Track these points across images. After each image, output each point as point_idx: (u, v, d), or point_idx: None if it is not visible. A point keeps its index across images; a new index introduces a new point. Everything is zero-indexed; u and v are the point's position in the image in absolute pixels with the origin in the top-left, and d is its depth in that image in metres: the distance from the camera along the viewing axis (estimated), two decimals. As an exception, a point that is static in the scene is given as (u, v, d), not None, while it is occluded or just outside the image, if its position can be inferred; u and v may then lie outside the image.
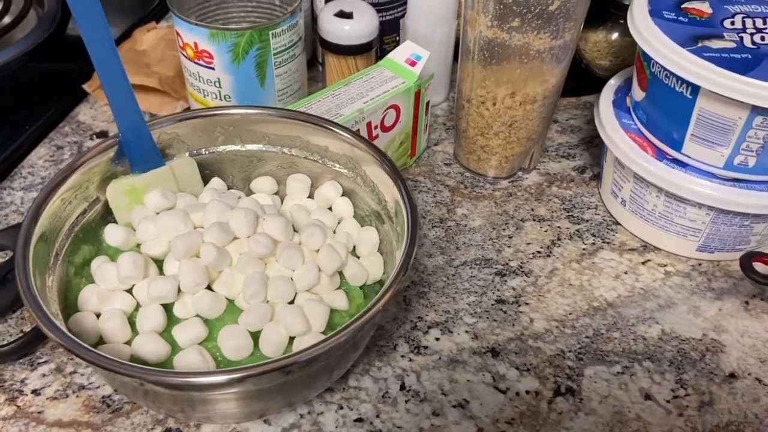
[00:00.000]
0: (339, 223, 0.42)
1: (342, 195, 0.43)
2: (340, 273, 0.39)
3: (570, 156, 0.58)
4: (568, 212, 0.52)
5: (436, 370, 0.41)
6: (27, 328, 0.41)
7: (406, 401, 0.39)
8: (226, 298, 0.36)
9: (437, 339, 0.43)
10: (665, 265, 0.48)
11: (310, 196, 0.44)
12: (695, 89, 0.40)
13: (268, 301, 0.35)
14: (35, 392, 0.38)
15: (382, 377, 0.41)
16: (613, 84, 0.51)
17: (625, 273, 0.47)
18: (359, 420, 0.38)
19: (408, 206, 0.36)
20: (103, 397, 0.39)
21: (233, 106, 0.48)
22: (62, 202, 0.36)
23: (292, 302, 0.36)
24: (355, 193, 0.43)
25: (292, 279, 0.36)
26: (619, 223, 0.51)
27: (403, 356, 0.42)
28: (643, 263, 0.48)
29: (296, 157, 0.43)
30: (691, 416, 0.39)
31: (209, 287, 0.36)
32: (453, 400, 0.40)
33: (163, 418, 0.38)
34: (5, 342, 0.40)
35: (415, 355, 0.42)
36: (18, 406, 0.38)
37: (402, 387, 0.40)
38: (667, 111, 0.43)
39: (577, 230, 0.51)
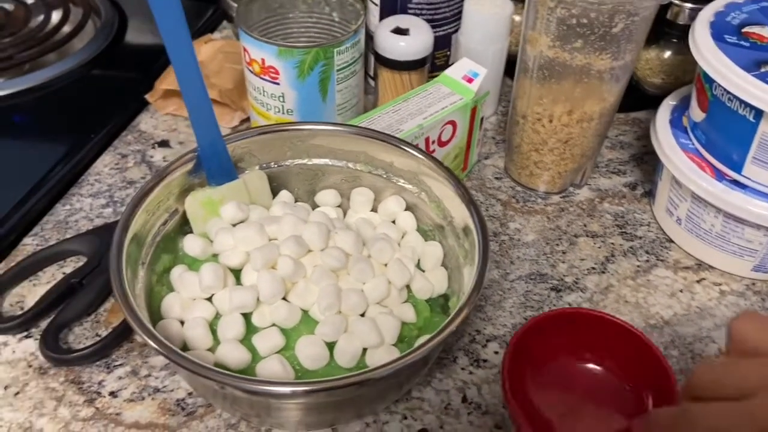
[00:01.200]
0: (403, 236, 0.43)
1: (405, 209, 0.44)
2: (407, 286, 0.40)
3: (620, 172, 0.58)
4: (621, 228, 0.53)
5: (496, 384, 0.42)
6: (102, 332, 0.43)
7: (469, 413, 0.40)
8: (301, 309, 0.37)
9: (496, 353, 0.44)
10: (720, 284, 0.48)
11: (374, 210, 0.45)
12: (758, 113, 0.41)
13: (341, 313, 0.37)
14: (113, 394, 0.40)
15: (443, 389, 0.42)
16: (669, 103, 0.51)
17: (681, 291, 0.48)
18: (423, 430, 0.39)
19: (479, 226, 0.37)
20: (177, 400, 0.40)
21: (302, 122, 0.49)
22: (147, 213, 0.37)
23: (363, 314, 0.37)
24: (417, 208, 0.44)
25: (363, 292, 0.38)
26: (672, 241, 0.51)
27: (463, 369, 0.43)
28: (698, 281, 0.49)
29: (360, 171, 0.45)
30: (752, 436, 0.39)
31: (285, 298, 0.37)
32: (514, 412, 0.40)
33: (235, 422, 0.39)
34: (82, 345, 0.42)
35: (475, 368, 0.43)
36: (97, 408, 0.39)
37: (464, 399, 0.41)
38: (728, 133, 0.44)
39: (631, 247, 0.51)
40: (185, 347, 0.35)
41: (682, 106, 0.51)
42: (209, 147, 0.39)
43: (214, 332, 0.36)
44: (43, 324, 0.43)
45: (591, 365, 0.40)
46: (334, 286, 0.37)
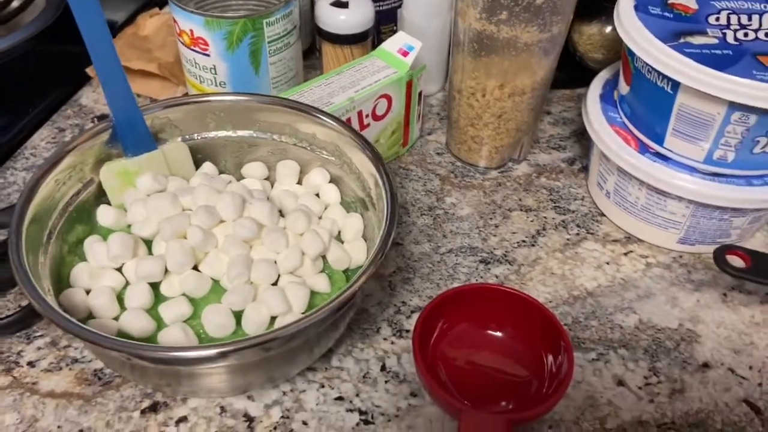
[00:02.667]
0: (326, 209, 0.43)
1: (330, 182, 0.44)
2: (324, 257, 0.40)
3: (560, 148, 0.59)
4: (555, 203, 0.53)
5: (416, 353, 0.42)
6: (24, 304, 0.43)
7: (386, 382, 0.41)
8: (212, 279, 0.37)
9: (419, 323, 0.44)
10: (647, 257, 0.49)
11: (300, 183, 0.45)
12: (676, 84, 0.41)
13: (252, 283, 0.37)
14: (30, 364, 0.40)
15: (364, 358, 0.42)
16: (602, 77, 0.52)
17: (607, 263, 0.48)
18: (339, 398, 0.40)
19: (388, 188, 0.37)
20: (95, 370, 0.40)
21: (224, 92, 0.49)
22: (56, 183, 0.37)
23: (275, 284, 0.38)
24: (342, 180, 0.44)
25: (275, 262, 0.38)
26: (604, 215, 0.52)
27: (385, 339, 0.43)
28: (625, 254, 0.49)
29: (286, 143, 0.45)
30: (662, 403, 0.40)
31: (196, 268, 0.37)
32: (431, 382, 0.41)
33: (151, 392, 0.39)
34: (3, 316, 0.42)
35: (397, 338, 0.43)
36: (14, 377, 0.40)
37: (383, 368, 0.41)
38: (649, 105, 0.44)
39: (563, 221, 0.52)
40: (91, 317, 0.35)
41: (614, 81, 0.51)
42: (124, 116, 0.39)
43: (123, 303, 0.36)
44: (-35, 295, 0.43)
45: (496, 332, 0.42)
46: (245, 256, 0.37)
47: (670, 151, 0.44)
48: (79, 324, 0.30)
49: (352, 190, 0.43)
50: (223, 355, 0.31)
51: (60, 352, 0.41)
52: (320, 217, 0.42)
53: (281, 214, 0.41)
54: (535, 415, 0.36)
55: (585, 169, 0.56)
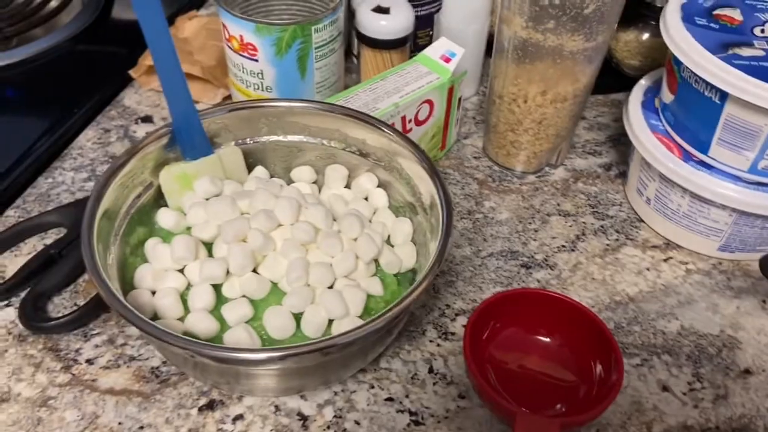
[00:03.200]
0: (374, 213, 0.44)
1: (378, 186, 0.45)
2: (376, 261, 0.41)
3: (596, 153, 0.59)
4: (593, 208, 0.54)
5: (462, 356, 0.43)
6: (81, 302, 0.44)
7: (434, 383, 0.42)
8: (271, 281, 0.38)
9: (464, 326, 0.45)
10: (686, 263, 0.50)
11: (347, 187, 0.46)
12: (724, 95, 0.41)
13: (309, 285, 0.38)
14: (89, 362, 0.41)
15: (411, 360, 0.43)
16: (643, 84, 0.52)
17: (647, 269, 0.49)
18: (389, 399, 0.41)
19: (443, 201, 0.38)
20: (152, 368, 0.41)
21: (278, 98, 0.50)
22: (121, 186, 0.38)
23: (331, 287, 0.39)
24: (390, 185, 0.45)
25: (331, 265, 0.39)
26: (642, 221, 0.53)
27: (431, 341, 0.44)
28: (665, 260, 0.50)
29: (335, 148, 0.45)
30: (706, 408, 0.41)
31: (255, 270, 0.38)
32: (478, 384, 0.42)
33: (207, 390, 0.40)
34: (61, 314, 0.43)
35: (443, 340, 0.44)
36: (73, 374, 0.41)
37: (430, 370, 0.42)
38: (695, 114, 0.45)
39: (602, 226, 0.52)
40: (156, 317, 0.36)
41: (655, 88, 0.51)
42: (183, 121, 0.40)
43: (186, 304, 0.37)
44: (23, 294, 0.44)
45: (545, 338, 0.43)
46: (303, 260, 0.38)
47: (715, 159, 0.45)
48: (152, 322, 0.31)
49: (400, 194, 0.44)
50: (284, 359, 0.32)
51: (117, 350, 0.42)
52: (370, 221, 0.43)
53: (332, 218, 0.42)
54: (586, 420, 0.36)
55: (622, 174, 0.57)
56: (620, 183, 0.56)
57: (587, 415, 0.36)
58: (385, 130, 0.43)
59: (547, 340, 0.42)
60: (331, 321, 0.37)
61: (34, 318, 0.41)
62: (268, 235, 0.38)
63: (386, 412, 0.40)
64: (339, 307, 0.36)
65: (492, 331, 0.42)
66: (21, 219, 0.49)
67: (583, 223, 0.53)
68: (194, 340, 0.32)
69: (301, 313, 0.37)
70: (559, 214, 0.53)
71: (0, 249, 0.46)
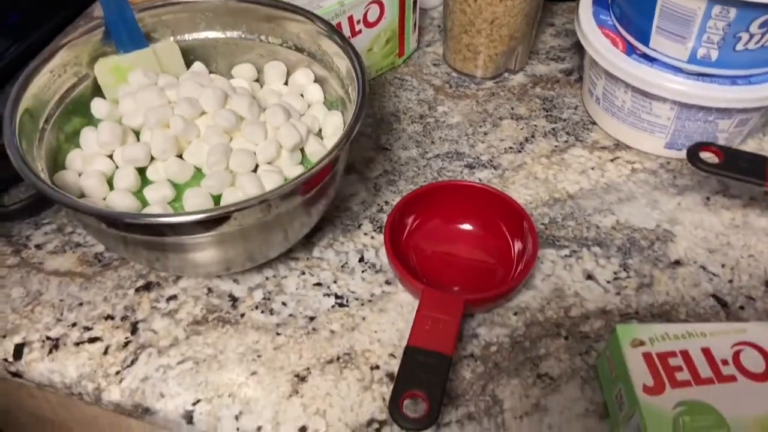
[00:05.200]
0: (309, 107, 0.45)
1: (315, 82, 0.46)
2: (303, 151, 0.42)
3: (559, 59, 0.58)
4: (547, 112, 0.53)
5: (394, 247, 0.44)
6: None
7: (363, 271, 0.43)
8: (195, 167, 0.40)
9: (400, 220, 0.46)
10: (633, 163, 0.49)
11: (286, 84, 0.47)
12: (658, -22, 0.40)
13: (230, 170, 0.39)
14: (38, 246, 0.44)
15: (344, 251, 0.44)
16: (597, -19, 0.51)
17: (592, 169, 0.49)
18: (318, 284, 0.42)
19: (359, 73, 0.38)
20: (95, 253, 0.44)
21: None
22: (51, 75, 0.40)
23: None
24: (326, 81, 0.45)
25: (255, 153, 0.40)
26: (595, 123, 0.52)
27: (366, 234, 0.45)
28: (611, 160, 0.49)
29: (273, 44, 0.46)
30: (628, 295, 0.41)
31: (181, 156, 0.40)
32: (406, 272, 0.43)
33: (146, 273, 0.43)
34: (11, 203, 0.45)
35: (378, 233, 0.45)
36: (22, 257, 0.43)
37: (361, 259, 0.44)
38: (636, 3, 0.43)
39: (553, 128, 0.52)
40: (82, 197, 0.38)
41: (609, -17, 0.50)
42: (116, 14, 0.41)
43: (113, 187, 0.39)
44: (-20, 186, 0.46)
45: (466, 226, 0.44)
46: (224, 145, 0.39)
47: (656, 51, 0.44)
48: (61, 191, 0.33)
49: (334, 89, 0.44)
50: (202, 222, 0.33)
51: (65, 237, 0.45)
52: (302, 115, 0.44)
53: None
54: (492, 297, 0.37)
55: (581, 79, 0.56)
56: (579, 88, 0.55)
57: (493, 292, 0.37)
58: (314, 20, 0.43)
59: (470, 227, 0.43)
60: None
61: (-15, 206, 0.44)
62: (190, 121, 0.39)
63: (313, 296, 0.42)
64: (255, 189, 0.38)
65: (416, 223, 0.43)
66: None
67: (535, 126, 0.52)
68: (111, 209, 0.34)
69: (220, 196, 0.38)
70: (512, 118, 0.53)
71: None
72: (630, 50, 0.45)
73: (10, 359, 0.39)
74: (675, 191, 0.47)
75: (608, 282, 0.42)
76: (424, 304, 0.36)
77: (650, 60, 0.44)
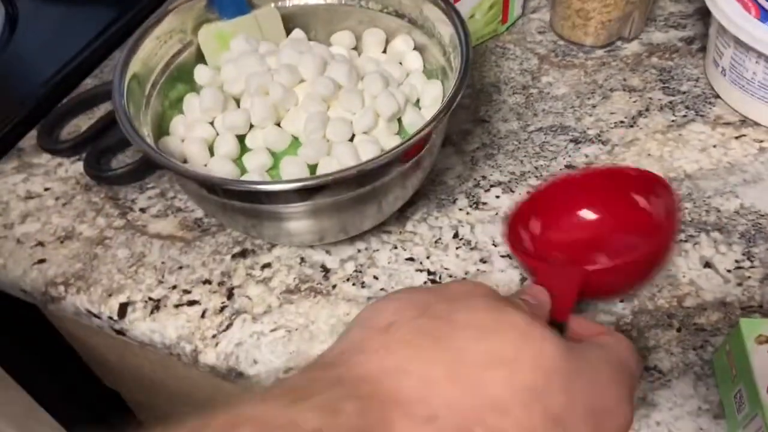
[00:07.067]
0: (407, 76, 0.43)
1: (414, 50, 0.44)
2: (400, 121, 0.40)
3: (680, 26, 0.53)
4: (664, 83, 0.49)
5: (491, 224, 0.42)
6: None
7: (457, 248, 0.41)
8: (292, 135, 0.39)
9: (497, 197, 0.44)
10: (762, 141, 0.44)
11: (385, 52, 0.45)
12: (809, -70, 0.35)
13: (326, 138, 0.38)
14: (142, 210, 0.45)
15: (437, 226, 0.43)
16: (730, -62, 0.45)
17: (714, 147, 0.45)
18: (410, 259, 0.41)
19: (464, 41, 0.37)
20: (195, 219, 0.45)
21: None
22: (158, 41, 0.41)
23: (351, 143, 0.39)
24: (426, 48, 0.43)
25: (351, 123, 0.39)
26: (719, 97, 0.47)
27: (461, 209, 0.44)
28: (736, 138, 0.45)
29: (373, 10, 0.45)
30: (751, 287, 0.37)
31: (279, 125, 0.40)
32: (503, 251, 0.41)
33: (242, 240, 0.43)
34: (118, 167, 0.47)
35: (473, 209, 0.43)
36: (128, 220, 0.45)
37: (455, 236, 0.42)
38: (778, -39, 0.39)
39: (670, 102, 0.48)
40: (185, 163, 0.39)
41: (745, -60, 0.45)
42: (218, -20, 0.41)
43: (213, 153, 0.39)
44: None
45: (593, 216, 0.38)
46: (322, 113, 0.38)
47: (798, 15, 0.39)
48: (165, 155, 0.34)
49: (435, 57, 0.43)
50: (297, 191, 0.33)
51: (167, 202, 0.46)
52: (400, 84, 0.43)
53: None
54: (612, 270, 0.33)
55: (704, 49, 0.51)
56: (701, 58, 0.50)
57: (612, 265, 0.33)
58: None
59: (597, 216, 0.39)
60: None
61: (96, 168, 0.46)
62: (289, 89, 0.39)
63: (405, 270, 0.41)
64: (352, 159, 0.37)
65: (537, 224, 0.39)
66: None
67: (650, 98, 0.48)
68: (213, 175, 0.35)
69: (317, 165, 0.38)
70: (624, 90, 0.49)
71: (76, 111, 0.51)
72: (765, 16, 0.40)
73: (115, 317, 0.40)
74: (811, 174, 0.42)
75: (728, 271, 0.38)
76: (541, 278, 0.33)
77: (791, 26, 0.40)
